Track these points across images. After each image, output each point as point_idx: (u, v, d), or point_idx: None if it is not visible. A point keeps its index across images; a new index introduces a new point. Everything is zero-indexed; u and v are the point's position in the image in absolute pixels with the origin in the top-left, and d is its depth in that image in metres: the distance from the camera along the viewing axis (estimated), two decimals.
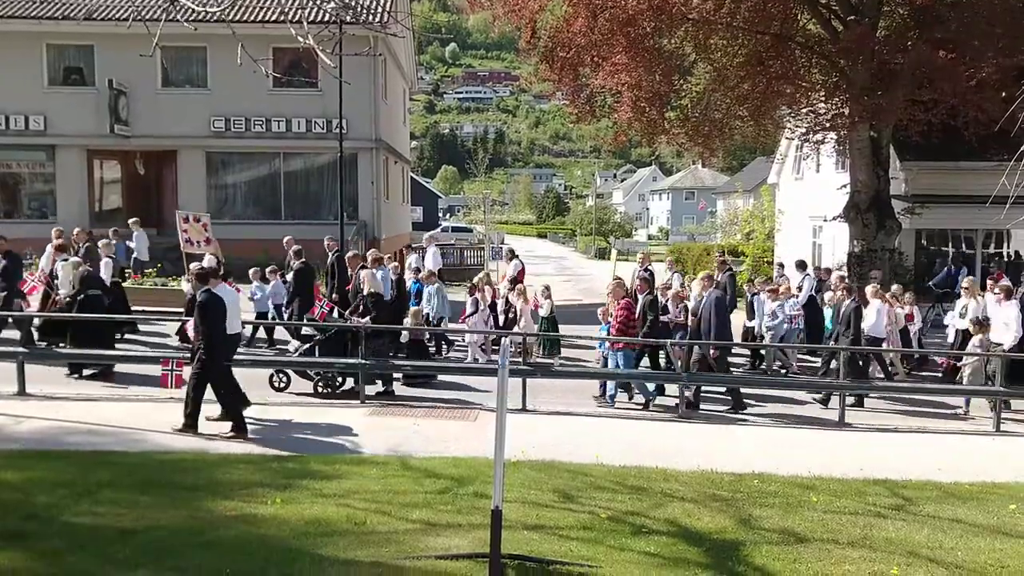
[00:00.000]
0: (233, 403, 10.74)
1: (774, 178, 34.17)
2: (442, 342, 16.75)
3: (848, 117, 18.83)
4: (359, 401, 12.75)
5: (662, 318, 14.35)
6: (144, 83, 26.04)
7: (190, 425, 10.58)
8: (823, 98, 19.91)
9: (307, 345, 13.35)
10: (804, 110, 20.28)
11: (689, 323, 14.37)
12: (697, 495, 8.81)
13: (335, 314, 15.59)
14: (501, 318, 17.15)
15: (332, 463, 9.52)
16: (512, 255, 19.49)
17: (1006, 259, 22.32)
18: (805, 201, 28.83)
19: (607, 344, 13.69)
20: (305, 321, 14.52)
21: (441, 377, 14.42)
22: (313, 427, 11.20)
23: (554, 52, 19.71)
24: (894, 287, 16.41)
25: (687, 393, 13.20)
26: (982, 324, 13.75)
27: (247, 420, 10.79)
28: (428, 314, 15.84)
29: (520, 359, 14.06)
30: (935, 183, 21.47)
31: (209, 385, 10.64)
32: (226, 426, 10.69)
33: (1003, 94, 14.65)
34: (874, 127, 19.09)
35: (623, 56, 18.46)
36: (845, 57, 18.46)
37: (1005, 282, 15.46)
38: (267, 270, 16.39)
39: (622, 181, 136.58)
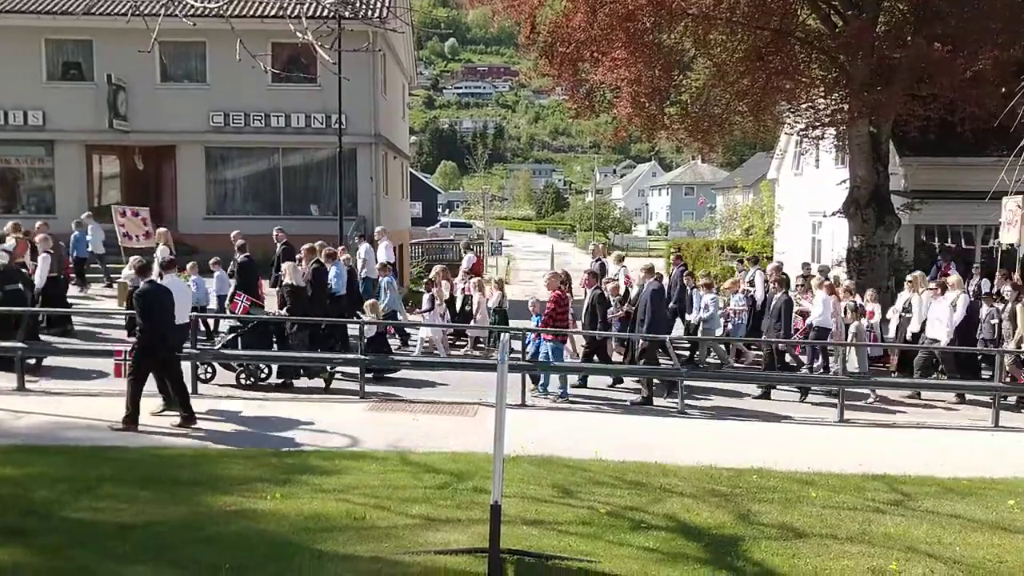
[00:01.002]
0: (135, 395, 10.55)
1: (773, 173, 34.16)
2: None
3: (847, 112, 18.82)
4: (359, 396, 12.77)
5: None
6: (143, 78, 25.99)
7: (187, 418, 10.63)
8: (822, 94, 19.89)
9: (229, 337, 13.42)
10: (803, 106, 20.26)
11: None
12: (696, 490, 8.82)
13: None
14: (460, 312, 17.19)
15: (331, 458, 9.53)
16: (467, 248, 19.39)
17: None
18: (804, 196, 28.83)
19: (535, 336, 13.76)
20: (229, 314, 14.52)
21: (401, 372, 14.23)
22: (312, 422, 11.20)
23: (553, 47, 19.67)
24: (846, 281, 16.51)
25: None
26: (857, 311, 14.36)
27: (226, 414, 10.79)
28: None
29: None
30: (934, 179, 21.46)
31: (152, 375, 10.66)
32: (168, 419, 10.75)
33: (1003, 90, 14.65)
34: (873, 123, 19.08)
35: (622, 51, 18.44)
36: (845, 52, 18.44)
37: (954, 276, 15.50)
38: (211, 262, 16.31)
39: (622, 176, 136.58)
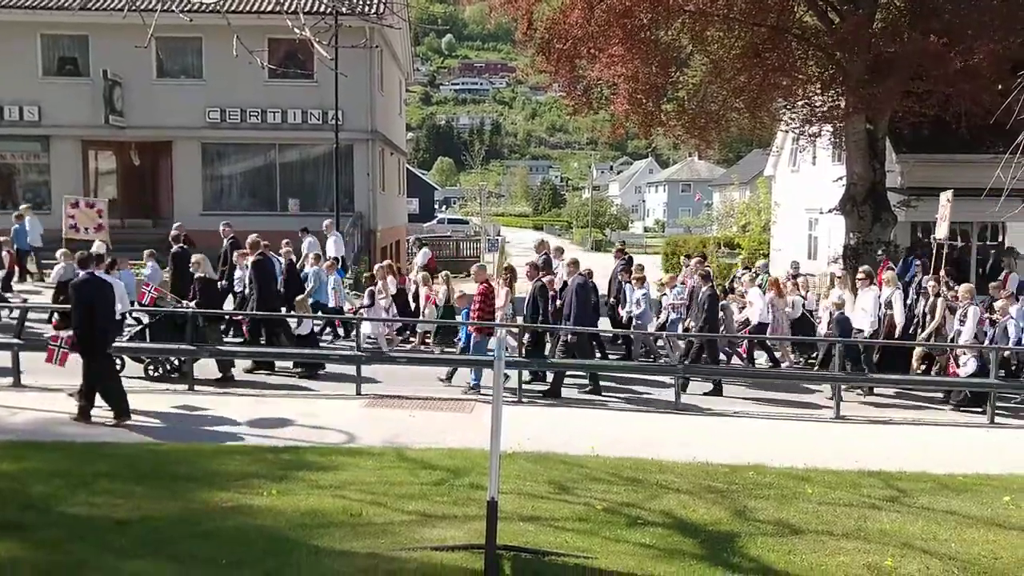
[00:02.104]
0: (117, 391, 10.60)
1: (770, 170, 34.17)
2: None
3: (844, 109, 18.85)
4: (355, 392, 12.77)
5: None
6: (139, 74, 25.93)
7: (84, 414, 10.52)
8: (819, 90, 19.91)
9: (137, 328, 13.41)
10: (800, 103, 20.28)
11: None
12: (692, 487, 8.83)
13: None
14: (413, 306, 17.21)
15: (328, 454, 9.53)
16: (420, 244, 19.24)
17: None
18: (801, 193, 28.85)
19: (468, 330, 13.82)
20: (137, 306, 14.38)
21: (332, 367, 14.11)
22: (309, 418, 11.21)
23: (550, 43, 19.63)
24: (790, 274, 16.91)
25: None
26: (728, 291, 14.76)
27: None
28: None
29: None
30: (931, 175, 21.44)
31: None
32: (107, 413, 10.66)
33: (999, 86, 14.67)
34: (870, 119, 19.11)
35: (620, 48, 18.42)
36: (841, 48, 18.45)
37: (888, 272, 15.56)
38: (145, 254, 16.15)
39: (618, 173, 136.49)
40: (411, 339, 16.78)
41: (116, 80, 25.78)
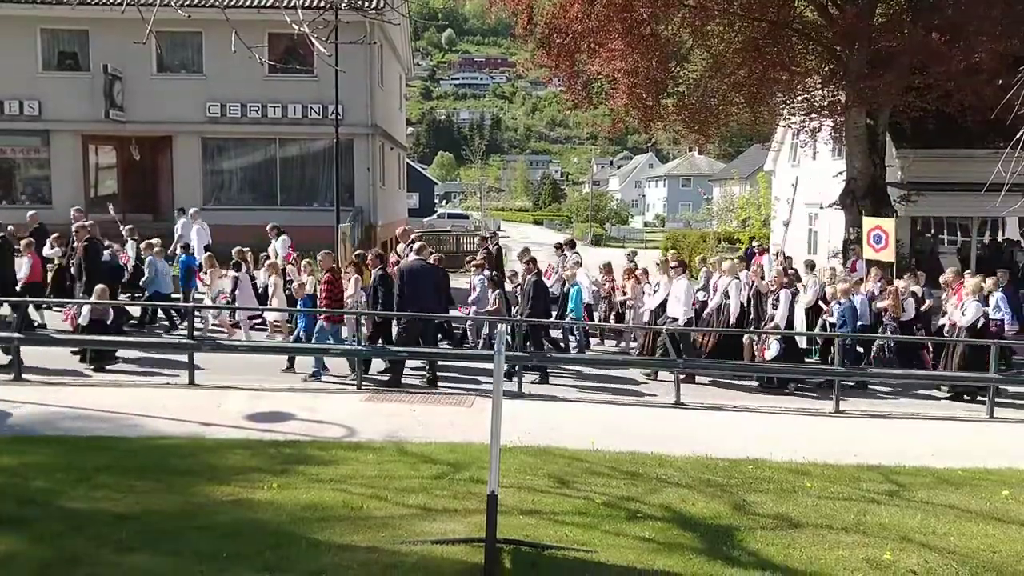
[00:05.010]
0: None
1: (770, 165, 34.17)
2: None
3: (844, 103, 18.85)
4: (356, 387, 12.79)
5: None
6: (139, 68, 25.91)
7: None
8: (819, 85, 19.91)
9: None
10: (799, 97, 20.28)
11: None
12: (692, 481, 8.84)
13: None
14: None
15: (328, 448, 9.55)
16: (278, 232, 18.76)
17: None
18: (801, 188, 28.85)
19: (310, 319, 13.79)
20: None
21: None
22: (309, 412, 11.21)
23: (551, 38, 19.66)
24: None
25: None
26: (494, 279, 15.37)
27: None
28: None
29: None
30: (931, 170, 21.47)
31: None
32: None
33: (999, 81, 14.67)
34: (870, 114, 19.11)
35: (620, 42, 18.44)
36: (841, 43, 18.45)
37: (727, 263, 15.63)
38: None
39: (618, 168, 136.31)
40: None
41: (116, 74, 25.76)
